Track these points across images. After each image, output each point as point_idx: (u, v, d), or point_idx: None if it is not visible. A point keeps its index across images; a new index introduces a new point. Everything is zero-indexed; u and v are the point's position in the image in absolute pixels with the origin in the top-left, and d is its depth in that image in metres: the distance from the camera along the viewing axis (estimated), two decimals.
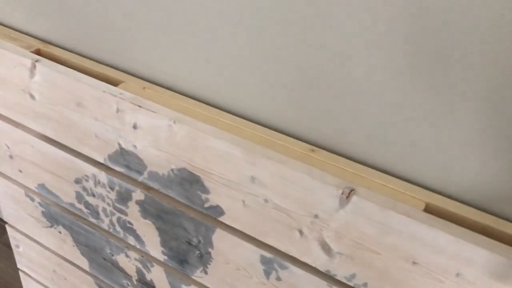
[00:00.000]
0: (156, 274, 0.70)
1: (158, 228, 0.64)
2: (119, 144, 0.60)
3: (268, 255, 0.56)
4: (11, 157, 0.75)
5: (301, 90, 0.50)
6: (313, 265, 0.53)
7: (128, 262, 0.73)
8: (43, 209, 0.78)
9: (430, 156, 0.46)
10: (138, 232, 0.67)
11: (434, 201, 0.46)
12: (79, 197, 0.71)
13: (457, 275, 0.44)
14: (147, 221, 0.65)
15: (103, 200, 0.68)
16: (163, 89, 0.59)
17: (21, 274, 0.96)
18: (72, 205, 0.73)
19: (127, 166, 0.61)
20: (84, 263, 0.80)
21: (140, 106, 0.55)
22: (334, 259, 0.51)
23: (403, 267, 0.46)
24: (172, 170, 0.57)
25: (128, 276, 0.75)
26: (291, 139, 0.53)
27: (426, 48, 0.40)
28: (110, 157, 0.62)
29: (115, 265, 0.75)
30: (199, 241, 0.61)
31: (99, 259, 0.77)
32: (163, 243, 0.66)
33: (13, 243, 0.91)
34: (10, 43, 0.64)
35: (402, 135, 0.46)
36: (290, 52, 0.48)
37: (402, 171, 0.48)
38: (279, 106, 0.53)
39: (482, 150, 0.43)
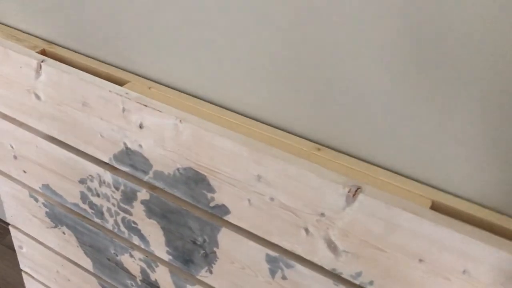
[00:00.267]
0: (161, 274, 0.70)
1: (163, 228, 0.65)
2: (124, 144, 0.60)
3: (273, 254, 0.56)
4: (15, 157, 0.75)
5: (306, 90, 0.50)
6: (319, 264, 0.53)
7: (132, 262, 0.73)
8: (47, 210, 0.78)
9: (432, 154, 0.46)
10: (142, 232, 0.67)
11: (440, 198, 0.47)
12: (83, 197, 0.71)
13: (464, 272, 0.44)
14: (152, 220, 0.65)
15: (108, 200, 0.68)
16: (169, 88, 0.60)
17: (24, 275, 0.96)
18: (76, 205, 0.73)
19: (133, 166, 0.61)
20: (88, 263, 0.80)
21: (146, 106, 0.56)
22: (340, 258, 0.51)
23: (410, 264, 0.47)
24: (177, 169, 0.57)
25: (132, 276, 0.75)
26: (297, 137, 0.53)
27: (425, 47, 0.40)
28: (115, 157, 0.62)
29: (119, 265, 0.75)
30: (204, 241, 0.61)
31: (103, 260, 0.77)
32: (168, 242, 0.66)
33: (16, 244, 0.91)
34: (15, 44, 0.64)
35: (405, 134, 0.46)
36: (295, 52, 0.48)
37: (407, 169, 0.48)
38: (284, 105, 0.53)
39: (481, 149, 0.43)
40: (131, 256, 0.72)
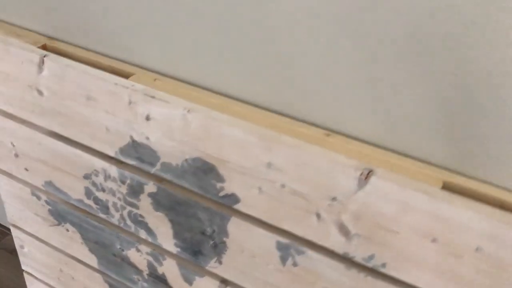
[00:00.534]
0: (169, 267, 0.70)
1: (170, 220, 0.65)
2: (131, 137, 0.60)
3: (284, 240, 0.57)
4: (16, 155, 0.75)
5: (311, 77, 0.50)
6: (331, 248, 0.53)
7: (139, 257, 0.73)
8: (50, 207, 0.78)
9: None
10: (150, 225, 0.67)
11: (450, 178, 0.47)
12: (88, 192, 0.71)
13: (477, 249, 0.45)
14: (159, 213, 0.65)
15: (114, 195, 0.68)
16: (174, 80, 0.60)
17: (25, 275, 0.95)
18: (80, 201, 0.72)
19: (139, 159, 0.61)
20: (92, 260, 0.80)
21: (153, 97, 0.56)
22: (352, 241, 0.51)
23: (423, 245, 0.47)
24: (186, 160, 0.57)
25: (139, 271, 0.75)
26: (305, 124, 0.54)
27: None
28: (122, 150, 0.62)
29: (126, 260, 0.75)
30: (214, 231, 0.62)
31: (109, 255, 0.77)
32: (176, 235, 0.66)
33: (17, 243, 0.90)
34: (16, 40, 0.64)
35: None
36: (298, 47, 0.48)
37: (417, 152, 0.49)
38: (290, 93, 0.53)
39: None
40: (138, 250, 0.72)
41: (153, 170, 0.61)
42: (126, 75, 0.60)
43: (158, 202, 0.64)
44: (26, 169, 0.76)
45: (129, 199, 0.67)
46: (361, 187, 0.48)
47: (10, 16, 0.69)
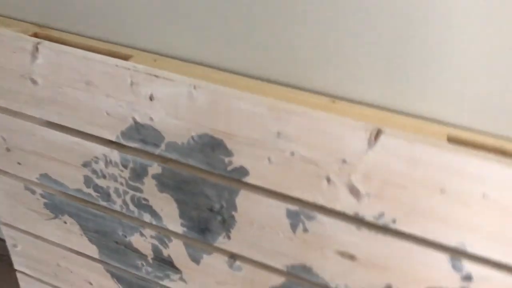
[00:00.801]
0: (175, 248, 0.71)
1: (176, 200, 0.65)
2: (133, 119, 0.60)
3: (294, 208, 0.58)
4: (8, 150, 0.73)
5: (316, 46, 0.52)
6: (342, 211, 0.55)
7: (143, 241, 0.73)
8: (46, 200, 0.77)
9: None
10: (154, 207, 0.68)
11: (453, 132, 0.50)
12: (87, 181, 0.70)
13: (483, 196, 0.48)
14: (164, 194, 0.65)
15: (115, 180, 0.68)
16: (174, 60, 0.60)
17: (19, 276, 0.93)
18: (79, 191, 0.72)
19: (143, 141, 0.61)
20: (93, 250, 0.79)
21: (156, 76, 0.56)
22: (362, 201, 0.54)
23: (431, 197, 0.50)
24: (192, 137, 0.58)
25: (143, 256, 0.75)
26: (311, 94, 0.55)
27: None
28: (123, 134, 0.62)
29: (129, 246, 0.75)
30: (222, 206, 0.63)
31: (111, 244, 0.76)
32: (182, 214, 0.66)
33: (9, 243, 0.88)
34: (6, 29, 0.63)
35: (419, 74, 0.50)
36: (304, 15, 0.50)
37: (421, 110, 0.52)
38: (293, 63, 0.55)
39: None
40: (142, 234, 0.72)
41: (157, 151, 0.61)
42: (124, 58, 0.60)
43: (163, 183, 0.65)
44: (19, 163, 0.74)
45: (132, 183, 0.67)
46: (371, 147, 0.50)
47: None
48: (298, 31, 0.52)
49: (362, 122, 0.50)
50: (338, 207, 0.55)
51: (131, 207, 0.70)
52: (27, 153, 0.72)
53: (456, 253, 0.53)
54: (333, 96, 0.55)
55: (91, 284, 0.85)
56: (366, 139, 0.50)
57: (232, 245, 0.66)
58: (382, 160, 0.50)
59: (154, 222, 0.69)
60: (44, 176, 0.73)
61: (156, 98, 0.57)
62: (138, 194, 0.68)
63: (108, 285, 0.83)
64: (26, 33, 0.64)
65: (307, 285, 0.64)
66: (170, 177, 0.63)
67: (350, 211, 0.55)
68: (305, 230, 0.59)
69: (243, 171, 0.58)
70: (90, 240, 0.78)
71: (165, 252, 0.72)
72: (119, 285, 0.82)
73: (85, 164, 0.68)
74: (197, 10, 0.55)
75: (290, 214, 0.59)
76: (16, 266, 0.92)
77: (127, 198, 0.69)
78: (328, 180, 0.54)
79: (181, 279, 0.74)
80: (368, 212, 0.54)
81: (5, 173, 0.77)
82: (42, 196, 0.76)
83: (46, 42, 0.60)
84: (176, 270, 0.73)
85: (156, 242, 0.72)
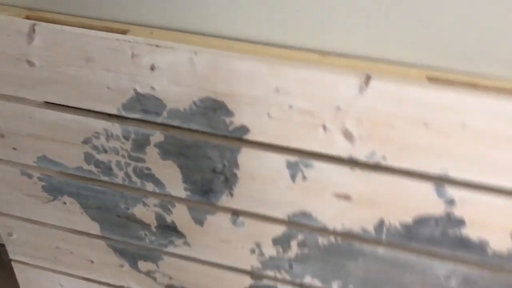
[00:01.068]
0: (178, 213, 0.75)
1: (179, 166, 0.69)
2: (134, 90, 0.64)
3: (293, 158, 0.64)
4: (2, 136, 0.74)
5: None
6: (336, 155, 0.62)
7: (146, 211, 0.77)
8: (44, 183, 0.78)
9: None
10: (157, 175, 0.71)
11: (431, 73, 0.57)
12: (87, 158, 0.73)
13: (462, 126, 0.55)
14: (167, 162, 0.69)
15: (117, 153, 0.71)
16: (171, 31, 0.64)
17: (15, 265, 0.94)
18: (79, 168, 0.74)
19: (144, 111, 0.65)
20: (94, 227, 0.82)
21: (157, 46, 0.60)
22: (355, 144, 0.60)
23: (416, 132, 0.57)
24: (193, 102, 0.62)
25: (146, 226, 0.79)
26: (301, 51, 0.61)
27: None
28: (125, 106, 0.65)
29: (131, 218, 0.78)
30: (224, 166, 0.67)
31: (113, 218, 0.79)
32: (185, 179, 0.71)
33: (5, 232, 0.89)
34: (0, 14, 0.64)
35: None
36: None
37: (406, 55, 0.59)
38: (283, 24, 0.60)
39: None
40: (145, 204, 0.76)
41: (159, 119, 0.65)
42: (121, 33, 0.63)
43: (166, 151, 0.68)
44: (14, 148, 0.75)
45: (134, 154, 0.70)
46: (362, 92, 0.56)
47: None
48: None
49: (353, 70, 0.56)
50: (334, 152, 0.62)
51: (134, 178, 0.73)
52: (23, 137, 0.73)
53: (440, 181, 0.61)
54: (322, 51, 0.61)
55: (92, 262, 0.88)
56: (357, 85, 0.56)
57: (235, 202, 0.71)
58: (372, 104, 0.57)
59: (157, 190, 0.73)
60: (42, 158, 0.75)
61: (157, 67, 0.61)
62: (140, 165, 0.71)
63: (111, 260, 0.86)
64: (19, 17, 0.65)
65: (307, 230, 0.71)
66: (172, 143, 0.67)
67: (344, 154, 0.61)
68: (304, 178, 0.65)
69: (244, 129, 0.63)
70: (91, 218, 0.81)
71: (169, 219, 0.76)
72: (122, 259, 0.85)
73: (86, 141, 0.71)
74: None
75: (290, 165, 0.65)
76: (11, 256, 0.93)
77: (129, 170, 0.72)
78: (324, 128, 0.60)
79: (185, 243, 0.78)
80: (361, 153, 0.61)
81: (1, 160, 0.78)
82: (40, 179, 0.78)
83: (43, 23, 0.62)
84: (180, 235, 0.77)
85: (159, 210, 0.76)
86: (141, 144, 0.69)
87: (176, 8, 0.62)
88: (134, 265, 0.85)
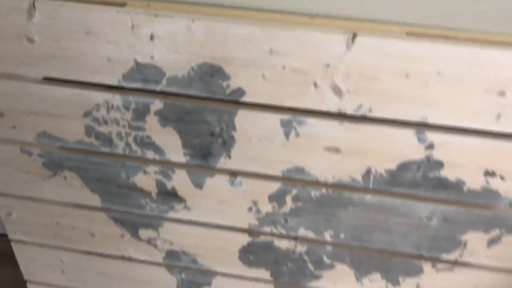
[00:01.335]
0: (178, 179, 0.79)
1: (179, 132, 0.74)
2: (134, 60, 0.67)
3: (286, 117, 0.69)
4: (1, 114, 0.76)
5: None
6: (326, 110, 0.67)
7: (146, 179, 0.80)
8: (44, 159, 0.81)
9: None
10: (157, 143, 0.75)
11: (410, 29, 0.64)
12: (88, 130, 0.76)
13: (438, 73, 0.62)
14: (167, 128, 0.73)
15: (118, 124, 0.74)
16: (167, 2, 0.67)
17: (14, 245, 0.96)
18: (80, 142, 0.77)
19: (144, 80, 0.69)
20: (95, 200, 0.85)
21: (156, 16, 0.63)
22: (344, 98, 0.66)
23: (399, 83, 0.63)
24: (192, 68, 0.67)
25: (146, 194, 0.82)
26: (290, 15, 0.66)
27: None
28: (125, 76, 0.69)
29: (132, 187, 0.82)
30: (222, 129, 0.72)
31: (114, 189, 0.83)
32: (185, 144, 0.75)
33: (3, 212, 0.91)
34: None
35: None
36: None
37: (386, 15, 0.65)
38: None
39: None
40: (145, 173, 0.80)
41: (159, 87, 0.69)
42: (119, 6, 0.67)
43: (165, 118, 0.72)
44: (14, 127, 0.78)
45: (134, 123, 0.74)
46: (349, 49, 0.62)
47: None
48: None
49: (340, 28, 0.61)
50: (324, 107, 0.67)
51: (134, 147, 0.77)
52: (23, 114, 0.76)
53: (420, 127, 0.67)
54: (310, 14, 0.66)
55: (93, 235, 0.91)
56: (345, 42, 0.62)
57: (232, 163, 0.76)
58: (359, 59, 0.63)
59: (157, 158, 0.77)
60: (42, 134, 0.78)
61: (156, 36, 0.65)
62: (140, 133, 0.75)
63: (112, 231, 0.89)
64: None
65: (300, 185, 0.76)
66: (172, 110, 0.71)
67: (334, 109, 0.67)
68: (297, 134, 0.71)
69: (240, 91, 0.68)
70: (92, 190, 0.84)
71: (169, 185, 0.81)
72: (123, 228, 0.88)
73: (86, 114, 0.74)
74: None
75: (284, 123, 0.70)
76: (11, 236, 0.95)
77: (130, 139, 0.76)
78: (315, 85, 0.66)
79: (185, 207, 0.83)
80: (349, 106, 0.67)
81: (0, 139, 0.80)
82: (40, 155, 0.81)
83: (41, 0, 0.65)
84: (180, 199, 0.82)
85: (160, 177, 0.80)
86: (141, 113, 0.73)
87: None
88: (135, 234, 0.89)
